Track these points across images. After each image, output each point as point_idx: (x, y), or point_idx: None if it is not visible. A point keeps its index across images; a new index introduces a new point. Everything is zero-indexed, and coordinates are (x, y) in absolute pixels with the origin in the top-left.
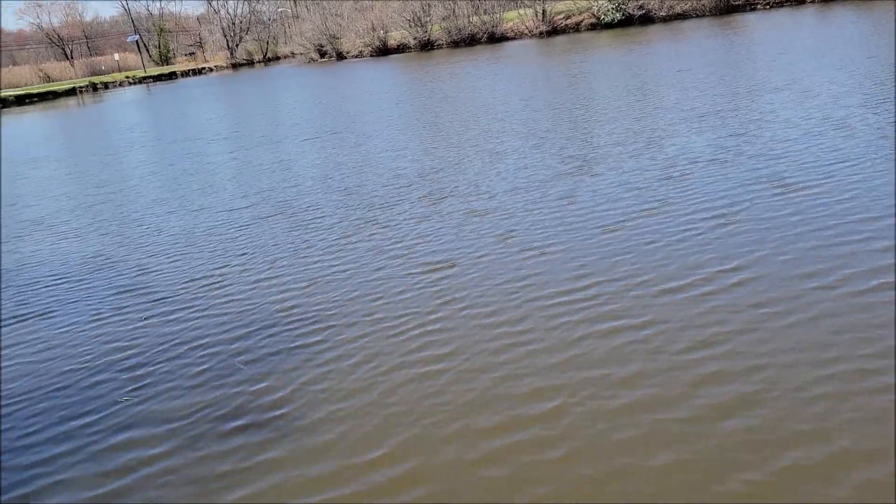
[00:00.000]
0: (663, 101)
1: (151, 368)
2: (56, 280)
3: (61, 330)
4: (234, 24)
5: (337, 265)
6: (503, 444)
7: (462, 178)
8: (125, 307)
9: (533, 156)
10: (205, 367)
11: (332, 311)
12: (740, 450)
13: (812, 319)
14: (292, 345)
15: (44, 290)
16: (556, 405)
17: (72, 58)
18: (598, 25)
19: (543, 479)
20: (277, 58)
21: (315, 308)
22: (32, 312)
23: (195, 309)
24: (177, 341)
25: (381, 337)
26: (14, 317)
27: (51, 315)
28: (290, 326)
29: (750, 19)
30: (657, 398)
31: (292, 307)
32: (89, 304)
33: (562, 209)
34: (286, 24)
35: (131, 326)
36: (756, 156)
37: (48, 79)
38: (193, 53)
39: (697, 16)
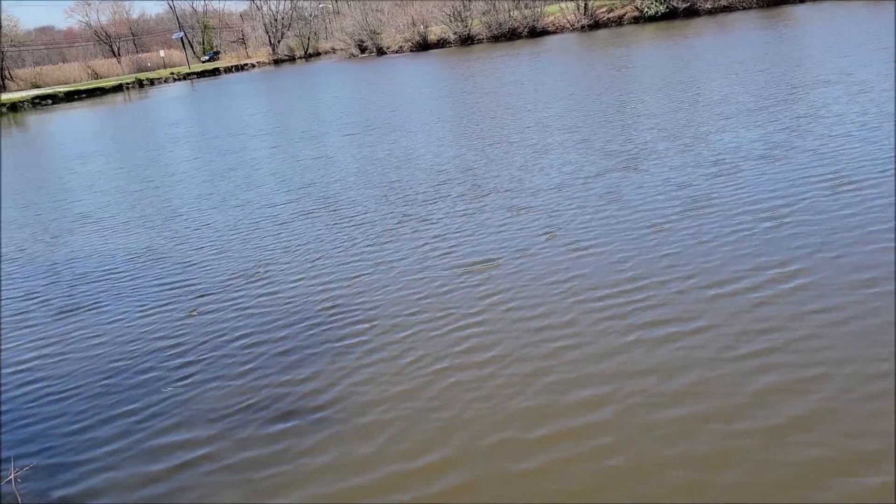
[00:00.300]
0: (710, 96)
1: (197, 367)
2: (104, 274)
3: (109, 324)
4: (276, 20)
5: (380, 262)
6: (556, 456)
7: (505, 174)
8: (171, 302)
9: (577, 151)
10: (250, 365)
11: (377, 310)
12: (809, 469)
13: (878, 327)
14: (338, 344)
15: (93, 283)
16: (608, 415)
17: (119, 55)
18: (642, 19)
19: (599, 494)
20: (318, 53)
21: (359, 306)
22: (81, 306)
23: (239, 305)
24: (222, 338)
25: (427, 337)
26: (64, 310)
27: (99, 309)
28: (335, 324)
29: (798, 11)
30: (716, 410)
31: (336, 304)
32: (136, 299)
33: (607, 206)
34: (327, 20)
35: (177, 322)
36: (809, 152)
37: (96, 75)
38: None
39: (744, 8)
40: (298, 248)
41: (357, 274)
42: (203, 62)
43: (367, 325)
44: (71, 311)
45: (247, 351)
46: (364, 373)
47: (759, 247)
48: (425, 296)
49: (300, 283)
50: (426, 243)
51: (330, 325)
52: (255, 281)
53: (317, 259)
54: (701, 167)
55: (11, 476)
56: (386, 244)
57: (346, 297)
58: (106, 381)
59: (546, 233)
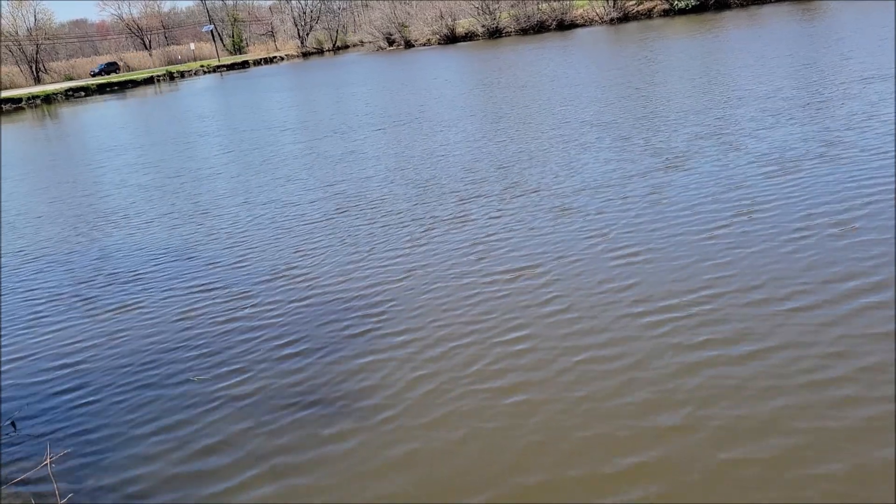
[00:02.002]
0: (756, 91)
1: (241, 365)
2: (139, 272)
3: (144, 321)
4: (304, 13)
5: (422, 265)
6: (632, 463)
7: (545, 172)
8: (209, 303)
9: (619, 148)
10: (300, 364)
11: (426, 311)
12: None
13: None
14: (391, 343)
15: (128, 283)
16: (680, 452)
17: (150, 48)
18: (672, 11)
19: None
20: (346, 46)
21: (407, 307)
22: (115, 303)
23: (281, 306)
24: (266, 338)
25: (481, 339)
26: (99, 307)
27: (134, 307)
28: (384, 327)
29: (832, 4)
30: (798, 449)
31: (382, 302)
32: (172, 298)
33: (656, 207)
34: (355, 13)
35: (215, 322)
36: (871, 151)
37: (128, 68)
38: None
39: (776, 0)
40: (338, 246)
41: (401, 274)
42: (93, 74)
43: (416, 325)
44: (105, 308)
45: (295, 351)
46: (418, 374)
47: (826, 254)
48: (470, 304)
49: (343, 283)
50: (468, 245)
51: (380, 327)
52: (296, 280)
53: (357, 259)
54: (753, 166)
55: (47, 461)
56: (425, 245)
57: (393, 293)
58: (141, 376)
59: (593, 235)
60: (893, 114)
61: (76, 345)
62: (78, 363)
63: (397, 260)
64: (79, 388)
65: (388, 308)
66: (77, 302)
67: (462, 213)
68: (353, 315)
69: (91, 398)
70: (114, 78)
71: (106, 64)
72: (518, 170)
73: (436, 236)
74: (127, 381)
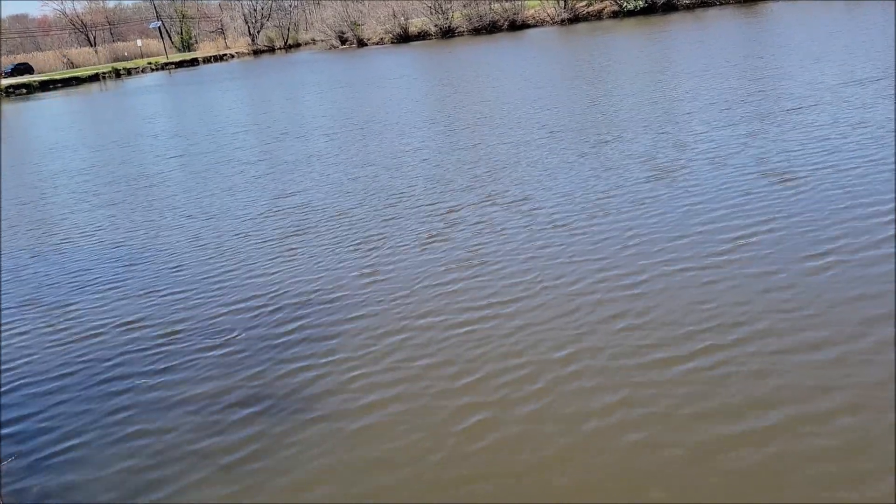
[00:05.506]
0: (734, 95)
1: (189, 374)
2: (100, 291)
3: (90, 334)
4: (255, 10)
5: (392, 294)
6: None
7: (523, 183)
8: (177, 349)
9: (601, 157)
10: (261, 383)
11: (413, 348)
12: None
13: None
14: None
15: (91, 300)
16: None
17: (95, 44)
18: (621, 13)
19: None
20: (298, 44)
21: (370, 355)
22: (61, 320)
23: (242, 339)
24: (211, 376)
25: (472, 373)
26: (52, 325)
27: (78, 318)
28: (368, 371)
29: (774, 7)
30: None
31: (371, 346)
32: (116, 307)
33: (654, 224)
34: (307, 11)
35: (191, 340)
36: (882, 161)
37: (72, 64)
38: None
39: (721, 3)
40: (298, 276)
41: (365, 309)
42: (6, 74)
43: (391, 363)
44: (46, 318)
45: (257, 381)
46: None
47: (854, 280)
48: (441, 348)
49: (308, 317)
50: (440, 270)
51: (367, 372)
52: (258, 312)
53: (330, 285)
54: (755, 176)
55: None
56: (390, 269)
57: (356, 338)
58: (85, 384)
59: (588, 260)
60: (893, 119)
61: (16, 356)
62: (18, 374)
63: (367, 290)
64: (22, 397)
65: (357, 354)
66: (14, 314)
67: (434, 231)
68: (323, 355)
69: (35, 406)
70: (56, 75)
71: (15, 65)
72: (492, 179)
73: (405, 260)
74: (70, 390)
